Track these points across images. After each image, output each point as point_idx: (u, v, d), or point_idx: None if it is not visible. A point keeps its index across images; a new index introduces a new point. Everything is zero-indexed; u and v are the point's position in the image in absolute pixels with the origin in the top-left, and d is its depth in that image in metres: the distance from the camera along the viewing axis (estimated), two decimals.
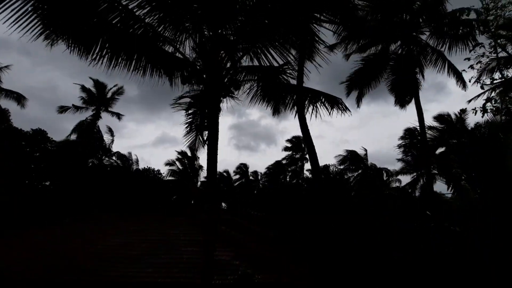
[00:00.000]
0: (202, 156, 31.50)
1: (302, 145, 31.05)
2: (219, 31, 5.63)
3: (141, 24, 5.58)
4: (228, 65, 6.08)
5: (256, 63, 6.14)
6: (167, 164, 31.19)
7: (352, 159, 29.28)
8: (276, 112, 8.90)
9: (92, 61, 5.39)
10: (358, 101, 15.25)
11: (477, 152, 8.20)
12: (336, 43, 14.45)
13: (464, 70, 10.18)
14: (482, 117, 8.90)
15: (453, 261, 5.53)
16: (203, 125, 6.22)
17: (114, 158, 26.87)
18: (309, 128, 11.59)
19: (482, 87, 9.54)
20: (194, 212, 15.30)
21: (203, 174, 33.04)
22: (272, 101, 7.27)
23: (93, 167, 24.08)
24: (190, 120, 7.41)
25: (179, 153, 31.66)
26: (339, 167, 31.78)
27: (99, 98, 24.85)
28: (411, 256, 6.29)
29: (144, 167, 30.29)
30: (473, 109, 9.03)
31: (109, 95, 25.48)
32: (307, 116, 8.90)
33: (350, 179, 30.84)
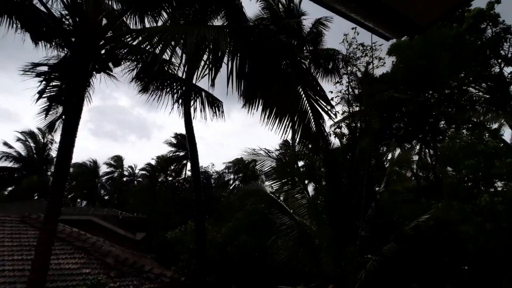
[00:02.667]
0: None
1: (185, 143, 30.49)
2: None
3: None
4: (109, 34, 5.14)
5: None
6: (5, 144, 23.40)
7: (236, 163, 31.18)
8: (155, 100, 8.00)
9: None
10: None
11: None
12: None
13: (332, 98, 12.89)
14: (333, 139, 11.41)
15: None
16: (60, 100, 4.95)
17: None
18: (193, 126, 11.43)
19: (335, 116, 12.30)
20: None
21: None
22: (154, 88, 6.66)
23: None
24: (47, 93, 5.75)
25: (22, 133, 24.28)
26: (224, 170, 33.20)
27: None
28: None
29: None
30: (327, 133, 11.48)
31: None
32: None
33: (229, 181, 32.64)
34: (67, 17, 5.21)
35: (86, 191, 30.90)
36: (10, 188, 21.53)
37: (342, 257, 5.58)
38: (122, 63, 6.05)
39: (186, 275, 12.87)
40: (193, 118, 7.72)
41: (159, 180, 32.47)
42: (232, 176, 33.12)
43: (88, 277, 6.36)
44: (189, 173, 32.04)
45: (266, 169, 6.37)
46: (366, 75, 11.41)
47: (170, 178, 32.70)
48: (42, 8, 4.93)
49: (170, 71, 6.48)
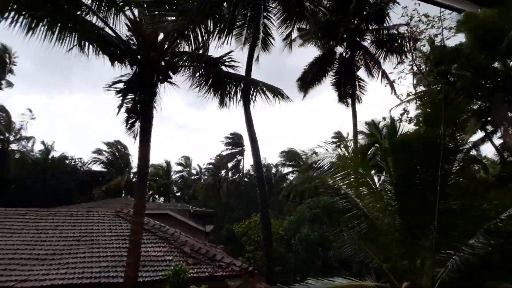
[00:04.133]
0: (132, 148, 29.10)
1: (241, 140, 31.55)
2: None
3: None
4: (166, 46, 5.69)
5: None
6: (95, 152, 27.95)
7: (292, 156, 30.97)
8: (222, 103, 8.44)
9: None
10: (304, 94, 16.10)
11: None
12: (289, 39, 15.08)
13: (394, 80, 11.74)
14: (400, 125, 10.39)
15: None
16: (136, 110, 5.70)
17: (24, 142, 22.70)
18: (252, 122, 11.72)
19: (400, 99, 11.14)
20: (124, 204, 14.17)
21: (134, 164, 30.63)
22: (219, 90, 7.04)
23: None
24: (122, 105, 6.66)
25: (107, 143, 28.52)
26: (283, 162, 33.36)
27: None
28: None
29: (62, 155, 26.35)
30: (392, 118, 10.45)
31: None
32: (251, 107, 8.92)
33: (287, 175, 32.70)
34: (132, 37, 5.93)
35: (162, 189, 34.89)
36: (103, 188, 25.84)
37: (416, 252, 5.08)
38: (179, 70, 6.62)
39: (252, 266, 13.53)
40: (252, 107, 7.86)
41: (221, 176, 34.54)
42: (289, 169, 33.01)
43: (170, 263, 7.19)
44: (247, 169, 33.25)
45: (326, 162, 6.16)
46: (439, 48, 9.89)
47: (230, 175, 34.47)
48: (111, 32, 5.72)
49: (226, 70, 6.78)
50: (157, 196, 35.47)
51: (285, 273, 13.83)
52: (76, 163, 26.78)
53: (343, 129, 34.43)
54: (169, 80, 6.01)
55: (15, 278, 5.78)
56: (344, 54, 15.98)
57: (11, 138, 22.28)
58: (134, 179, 29.20)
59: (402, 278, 5.08)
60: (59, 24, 4.96)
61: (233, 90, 7.30)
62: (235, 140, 32.44)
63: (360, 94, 16.14)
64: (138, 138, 5.60)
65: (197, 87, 6.89)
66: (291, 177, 32.37)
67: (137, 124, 6.07)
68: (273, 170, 34.25)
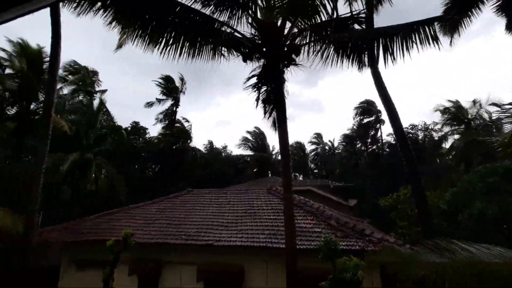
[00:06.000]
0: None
1: (374, 107, 28.16)
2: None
3: (196, 15, 5.86)
4: (286, 30, 5.86)
5: None
6: (243, 141, 33.11)
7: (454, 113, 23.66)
8: (360, 64, 7.65)
9: (159, 52, 6.05)
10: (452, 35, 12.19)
11: None
12: None
13: None
14: None
15: None
16: (270, 99, 6.30)
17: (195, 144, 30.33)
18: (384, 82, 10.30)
19: None
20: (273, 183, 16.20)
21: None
22: (354, 52, 6.61)
23: (182, 151, 27.55)
24: (259, 97, 7.49)
25: (250, 132, 33.19)
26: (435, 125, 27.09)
27: (172, 90, 27.43)
28: None
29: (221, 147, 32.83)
30: None
31: (177, 86, 27.80)
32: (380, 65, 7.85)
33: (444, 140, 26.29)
34: (256, 34, 6.48)
35: (300, 167, 37.19)
36: (254, 170, 30.51)
37: None
38: (301, 50, 6.65)
39: (407, 242, 12.25)
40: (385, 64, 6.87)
41: (357, 149, 32.69)
42: (448, 129, 25.96)
43: (320, 235, 7.66)
44: (386, 138, 29.70)
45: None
46: None
47: (368, 145, 31.99)
48: (238, 35, 6.46)
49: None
50: (297, 174, 38.19)
51: None
52: (230, 152, 32.89)
53: None
54: (293, 63, 6.22)
55: (212, 238, 7.97)
56: None
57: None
58: (273, 159, 32.65)
59: None
60: (201, 41, 6.15)
61: (359, 50, 6.67)
62: (367, 108, 29.62)
63: None
64: (276, 125, 6.20)
65: (322, 57, 6.69)
66: (450, 140, 25.88)
67: (273, 112, 6.70)
68: (421, 135, 28.94)
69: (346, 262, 5.10)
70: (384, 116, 28.48)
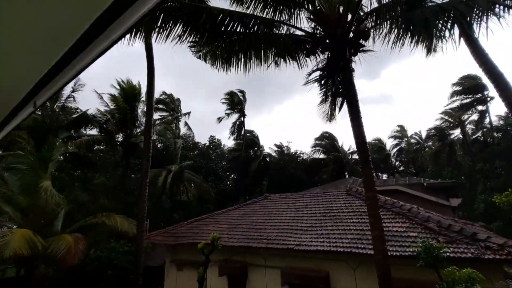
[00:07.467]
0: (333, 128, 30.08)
1: (480, 84, 23.13)
2: None
3: (257, 19, 5.99)
4: (349, 17, 5.42)
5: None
6: (315, 145, 32.20)
7: None
8: (429, 49, 6.62)
9: (232, 70, 6.43)
10: None
11: None
12: None
13: None
14: None
15: None
16: (339, 92, 5.88)
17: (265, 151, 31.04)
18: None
19: None
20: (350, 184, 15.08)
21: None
22: (422, 33, 5.70)
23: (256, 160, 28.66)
24: (324, 90, 7.13)
25: (321, 136, 32.16)
26: None
27: (237, 103, 28.64)
28: None
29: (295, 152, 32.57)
30: None
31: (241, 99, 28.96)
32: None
33: None
34: (316, 27, 6.21)
35: (382, 165, 33.60)
36: (330, 169, 29.23)
37: None
38: (370, 33, 6.02)
39: None
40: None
41: (454, 138, 27.57)
42: None
43: (415, 240, 6.61)
44: (494, 118, 24.19)
45: None
46: None
47: (470, 132, 26.63)
48: (299, 32, 6.31)
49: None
50: (379, 174, 34.66)
51: None
52: (303, 155, 32.34)
53: None
54: (361, 49, 5.69)
55: (293, 242, 7.84)
56: None
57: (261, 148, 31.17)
58: (349, 158, 30.51)
59: None
60: (264, 48, 6.24)
61: (447, 25, 5.59)
62: (468, 86, 24.70)
63: None
64: (348, 117, 5.74)
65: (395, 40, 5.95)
66: None
67: (343, 105, 6.23)
68: None
69: (456, 272, 4.23)
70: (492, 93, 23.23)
